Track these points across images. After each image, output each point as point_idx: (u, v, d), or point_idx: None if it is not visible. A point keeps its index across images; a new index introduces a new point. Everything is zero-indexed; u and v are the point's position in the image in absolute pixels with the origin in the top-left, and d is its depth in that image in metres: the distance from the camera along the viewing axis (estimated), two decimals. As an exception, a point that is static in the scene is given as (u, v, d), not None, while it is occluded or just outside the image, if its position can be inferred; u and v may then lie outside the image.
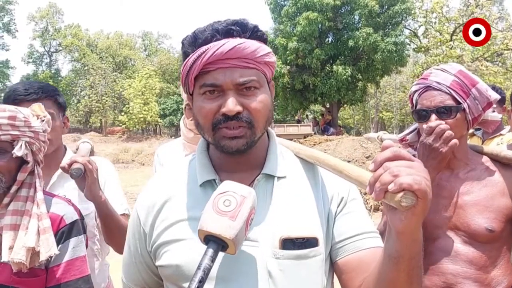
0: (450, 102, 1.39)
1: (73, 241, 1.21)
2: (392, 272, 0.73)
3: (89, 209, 1.64)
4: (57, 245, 1.17)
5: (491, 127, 1.55)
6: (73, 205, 1.28)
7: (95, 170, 1.48)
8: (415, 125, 1.59)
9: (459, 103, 1.39)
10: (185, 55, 0.89)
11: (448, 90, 1.39)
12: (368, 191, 0.67)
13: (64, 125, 1.70)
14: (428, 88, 1.44)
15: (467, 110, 1.40)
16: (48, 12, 52.47)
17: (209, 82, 0.86)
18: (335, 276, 0.96)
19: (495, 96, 1.43)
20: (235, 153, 0.89)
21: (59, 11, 53.74)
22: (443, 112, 1.40)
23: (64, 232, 1.20)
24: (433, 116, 1.40)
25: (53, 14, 53.13)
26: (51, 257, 1.14)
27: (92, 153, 1.82)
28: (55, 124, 1.60)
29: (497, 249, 1.40)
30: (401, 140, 1.65)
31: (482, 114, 1.44)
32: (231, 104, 0.84)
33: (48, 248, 1.12)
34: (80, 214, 1.27)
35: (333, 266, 0.94)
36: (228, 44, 0.85)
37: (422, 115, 1.44)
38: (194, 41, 0.88)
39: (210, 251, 0.74)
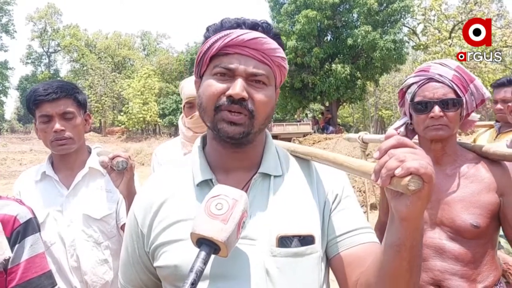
0: (452, 95, 1.40)
1: (29, 239, 1.20)
2: (394, 261, 0.73)
3: (111, 209, 1.66)
4: (14, 245, 1.17)
5: (467, 127, 1.55)
6: (24, 204, 1.27)
7: (134, 167, 1.54)
8: (404, 118, 1.59)
9: (459, 97, 1.41)
10: (206, 39, 0.92)
11: (451, 84, 1.40)
12: (373, 179, 0.68)
13: (85, 122, 1.71)
14: (430, 80, 1.43)
15: (464, 105, 1.42)
16: (47, 13, 52.50)
17: (223, 64, 0.88)
18: (331, 274, 0.97)
19: (488, 94, 1.46)
20: (229, 140, 0.89)
21: (57, 11, 53.78)
22: (445, 104, 1.40)
23: (20, 231, 1.18)
24: (437, 108, 1.40)
25: (52, 15, 53.15)
26: (6, 260, 1.13)
27: None
28: (76, 122, 1.62)
29: (483, 245, 1.41)
30: None
31: (474, 110, 1.46)
32: (239, 88, 0.85)
33: (1, 251, 1.11)
34: (32, 212, 1.25)
35: (328, 263, 0.94)
36: (251, 34, 0.88)
37: (422, 107, 1.44)
38: (220, 28, 0.91)
39: (203, 254, 0.74)
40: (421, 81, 1.46)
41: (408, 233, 0.70)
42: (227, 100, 0.87)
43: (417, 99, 1.46)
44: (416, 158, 0.63)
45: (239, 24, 0.90)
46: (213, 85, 0.88)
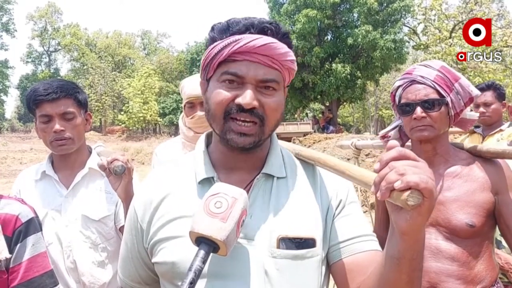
0: (434, 95, 1.41)
1: (31, 238, 1.20)
2: (394, 273, 0.73)
3: (110, 210, 1.65)
4: (16, 244, 1.17)
5: (467, 126, 1.56)
6: (26, 203, 1.27)
7: (132, 170, 1.52)
8: (397, 122, 1.60)
9: (443, 96, 1.41)
10: (212, 40, 0.90)
11: (433, 84, 1.41)
12: (373, 191, 0.67)
13: (86, 121, 1.70)
14: (412, 82, 1.45)
15: (450, 105, 1.42)
16: (47, 12, 52.45)
17: (232, 71, 0.86)
18: (331, 278, 0.96)
19: (476, 92, 1.46)
20: (239, 149, 0.89)
21: (58, 10, 53.74)
22: (427, 105, 1.41)
23: (21, 231, 1.18)
24: (418, 109, 1.41)
25: (52, 14, 53.10)
26: (7, 259, 1.13)
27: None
28: (76, 122, 1.61)
29: (479, 244, 1.42)
30: (383, 137, 1.67)
31: (463, 109, 1.47)
32: (249, 98, 0.84)
33: None
34: (34, 212, 1.26)
35: (329, 268, 0.93)
36: (261, 39, 0.85)
37: (407, 109, 1.45)
38: (226, 29, 0.88)
39: (202, 252, 0.74)
40: (405, 84, 1.48)
41: (409, 245, 0.69)
42: (236, 108, 0.85)
43: (402, 101, 1.48)
44: (417, 172, 0.62)
45: (247, 27, 0.87)
46: (221, 93, 0.87)
